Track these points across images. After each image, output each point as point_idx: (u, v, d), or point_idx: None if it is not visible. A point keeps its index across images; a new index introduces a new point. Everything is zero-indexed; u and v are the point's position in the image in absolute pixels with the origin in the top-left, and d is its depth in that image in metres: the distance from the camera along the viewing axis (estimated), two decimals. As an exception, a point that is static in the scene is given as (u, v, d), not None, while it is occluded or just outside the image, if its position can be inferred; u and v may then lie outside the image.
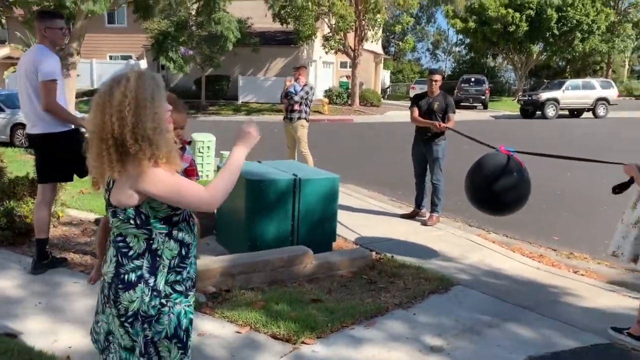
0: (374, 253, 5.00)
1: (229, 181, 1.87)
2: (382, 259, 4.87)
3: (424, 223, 6.27)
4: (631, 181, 3.59)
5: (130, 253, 1.81)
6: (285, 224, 4.59)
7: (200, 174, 7.44)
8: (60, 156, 3.98)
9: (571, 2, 32.44)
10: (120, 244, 1.83)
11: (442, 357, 3.23)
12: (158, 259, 1.83)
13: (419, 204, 6.58)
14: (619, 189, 3.66)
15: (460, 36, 45.24)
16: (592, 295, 4.35)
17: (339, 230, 5.70)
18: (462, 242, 5.71)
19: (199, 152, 7.47)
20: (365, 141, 15.82)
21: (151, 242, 1.82)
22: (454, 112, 6.30)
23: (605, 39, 36.17)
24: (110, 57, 30.30)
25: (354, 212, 6.76)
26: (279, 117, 8.59)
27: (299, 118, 8.02)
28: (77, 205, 6.09)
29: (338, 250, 4.90)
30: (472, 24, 34.95)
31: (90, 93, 27.49)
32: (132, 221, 1.79)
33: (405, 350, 3.29)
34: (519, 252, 5.56)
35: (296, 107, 7.97)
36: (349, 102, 25.92)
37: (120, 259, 1.82)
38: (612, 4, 38.18)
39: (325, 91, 27.47)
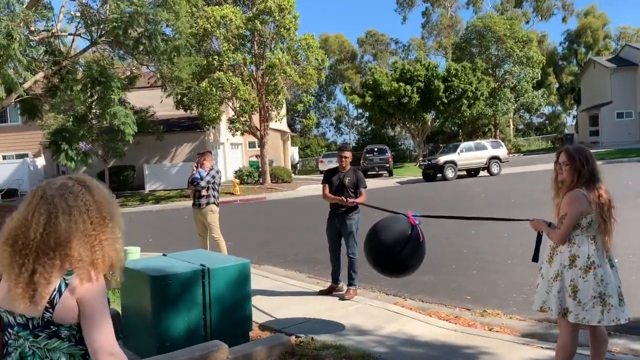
0: (293, 337, 4.84)
1: None
2: (302, 342, 4.72)
3: (342, 298, 6.22)
4: (540, 236, 3.73)
5: None
6: (196, 319, 4.35)
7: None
8: None
9: (455, 72, 35.52)
10: None
11: None
12: None
13: (335, 279, 6.54)
14: (537, 254, 3.74)
15: (360, 110, 47.65)
16: (508, 352, 4.43)
17: (257, 316, 5.50)
18: (380, 313, 5.69)
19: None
20: (280, 219, 15.80)
21: (88, 357, 1.70)
22: (365, 187, 6.46)
23: (489, 103, 39.62)
24: (4, 157, 28.66)
25: (271, 295, 6.58)
26: (189, 203, 8.39)
27: (208, 203, 7.86)
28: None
29: (255, 340, 4.69)
30: (368, 99, 37.03)
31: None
32: (73, 338, 1.68)
33: None
34: (435, 315, 5.62)
35: (203, 192, 7.84)
36: (261, 181, 26.05)
37: None
38: (490, 72, 42.25)
39: (236, 172, 27.50)
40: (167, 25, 9.61)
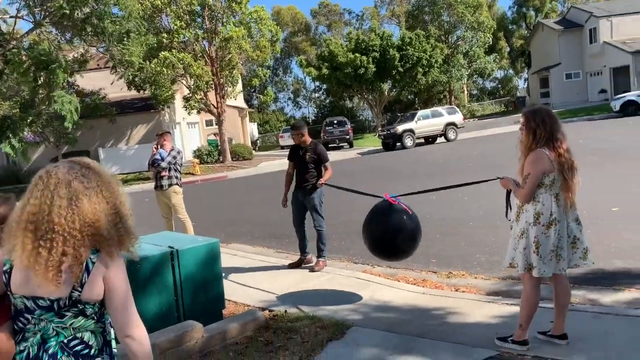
0: (267, 312, 4.89)
1: None
2: (276, 315, 4.77)
3: (312, 269, 6.29)
4: (508, 194, 3.84)
5: (92, 352, 1.75)
6: (168, 301, 4.33)
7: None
8: None
9: (409, 41, 35.68)
10: (78, 347, 1.73)
11: (350, 406, 3.19)
12: (113, 350, 1.83)
13: (302, 251, 6.62)
14: (507, 209, 3.87)
15: (317, 83, 47.43)
16: (475, 310, 4.60)
17: (229, 294, 5.51)
18: (350, 282, 5.79)
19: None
20: (243, 196, 15.71)
21: (105, 334, 1.82)
22: (327, 161, 6.44)
23: (443, 70, 40.10)
24: (-53, 148, 27.30)
25: (242, 272, 6.59)
26: (148, 186, 8.25)
27: (171, 185, 7.74)
28: None
29: (229, 317, 4.71)
30: (325, 71, 36.86)
31: None
32: (95, 316, 1.74)
33: (312, 408, 3.20)
34: (404, 280, 5.76)
35: (164, 173, 7.70)
36: (221, 159, 25.75)
37: None
38: (443, 39, 42.64)
39: (194, 151, 27.07)
40: (116, 4, 9.21)
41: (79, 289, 1.69)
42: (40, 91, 12.24)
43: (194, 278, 4.48)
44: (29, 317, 1.74)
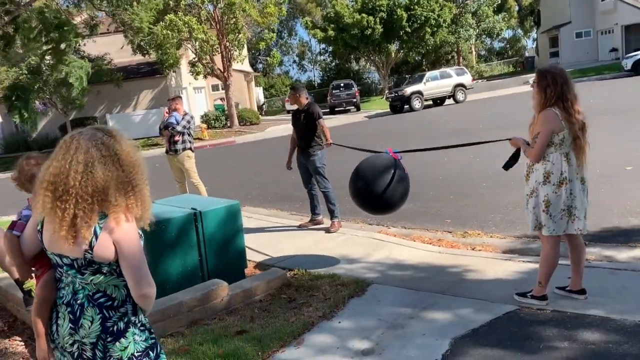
0: (287, 271, 5.00)
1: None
2: (297, 274, 4.88)
3: (328, 231, 6.39)
4: (517, 153, 3.86)
5: (115, 304, 1.87)
6: (192, 261, 4.44)
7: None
8: None
9: (417, 1, 34.97)
10: (102, 299, 1.85)
11: (375, 359, 3.31)
12: None
13: (313, 211, 6.74)
14: (509, 164, 3.88)
15: (323, 45, 46.78)
16: (492, 268, 4.69)
17: (248, 255, 5.63)
18: (366, 242, 5.89)
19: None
20: (253, 161, 15.78)
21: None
22: (320, 117, 6.49)
23: (452, 31, 39.41)
24: (-44, 117, 27.36)
25: (259, 233, 6.70)
26: (158, 151, 8.32)
27: (184, 149, 7.78)
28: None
29: (252, 275, 4.83)
30: (331, 32, 36.31)
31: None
32: (114, 272, 1.84)
33: (339, 360, 3.32)
34: (419, 240, 5.85)
35: (178, 137, 7.73)
36: (228, 124, 25.72)
37: (106, 313, 1.85)
38: (451, -2, 41.78)
39: (202, 116, 27.02)
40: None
41: (90, 251, 1.80)
42: (48, 57, 12.17)
43: (217, 238, 4.58)
44: (61, 270, 1.90)
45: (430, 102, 27.57)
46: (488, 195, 7.43)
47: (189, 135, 7.75)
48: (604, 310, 3.54)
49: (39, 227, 1.90)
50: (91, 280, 1.84)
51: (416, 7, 34.74)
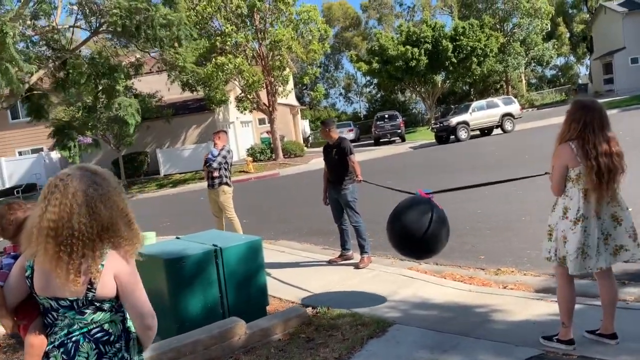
0: (309, 308, 4.93)
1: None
2: (319, 312, 4.81)
3: (357, 266, 6.30)
4: None
5: (112, 339, 1.88)
6: (212, 298, 4.45)
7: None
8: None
9: (462, 31, 34.85)
10: (98, 334, 1.86)
11: (386, 404, 3.18)
12: (130, 334, 1.94)
13: (343, 246, 6.67)
14: None
15: (368, 77, 47.15)
16: (522, 308, 4.47)
17: (274, 290, 5.61)
18: (395, 278, 5.75)
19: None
20: (293, 193, 15.88)
21: (125, 321, 1.93)
22: (351, 153, 6.48)
23: (499, 59, 38.92)
24: (20, 153, 29.07)
25: (287, 268, 6.68)
26: (205, 184, 8.49)
27: (220, 184, 7.91)
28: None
29: (271, 314, 4.79)
30: (375, 65, 36.59)
31: (3, 194, 26.05)
32: (114, 308, 1.87)
33: (348, 405, 3.21)
34: (450, 277, 5.67)
35: (215, 173, 7.88)
36: (273, 157, 26.09)
37: (102, 348, 1.85)
38: (498, 27, 41.37)
39: (248, 150, 27.56)
40: (164, 17, 9.56)
41: (93, 290, 1.81)
42: (101, 97, 12.93)
43: (238, 275, 4.58)
44: (55, 314, 1.89)
45: (478, 132, 27.11)
46: (526, 229, 7.15)
47: (225, 170, 7.87)
48: (636, 358, 3.28)
49: (27, 273, 1.88)
50: (92, 319, 1.86)
51: (462, 37, 34.62)
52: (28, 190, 25.79)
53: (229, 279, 4.52)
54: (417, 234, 4.42)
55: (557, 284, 4.87)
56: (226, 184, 7.90)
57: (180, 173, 25.78)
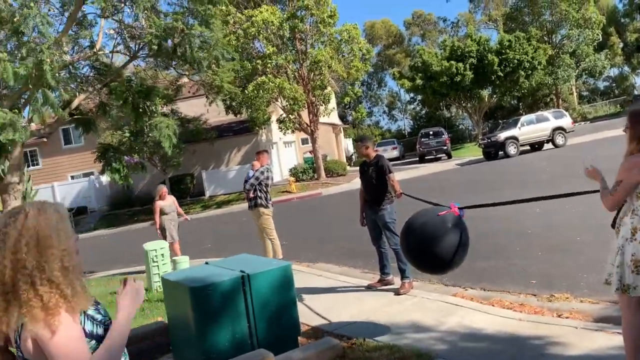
0: (344, 339, 4.62)
1: (115, 351, 1.58)
2: (354, 344, 4.49)
3: (397, 292, 5.94)
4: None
5: None
6: (240, 328, 4.21)
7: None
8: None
9: (508, 44, 34.01)
10: None
11: None
12: None
13: (382, 270, 6.32)
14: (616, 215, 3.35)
15: (411, 94, 46.67)
16: (579, 340, 4.03)
17: (308, 318, 5.35)
18: (438, 306, 5.37)
19: (153, 261, 7.10)
20: (335, 213, 15.60)
21: None
22: (390, 172, 6.16)
23: (548, 72, 37.73)
24: (72, 177, 30.10)
25: (324, 294, 6.39)
26: (246, 206, 8.41)
27: (256, 205, 7.78)
28: None
29: (303, 345, 4.51)
30: (419, 81, 36.14)
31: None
32: None
33: None
34: (498, 304, 5.24)
35: (251, 194, 7.75)
36: (316, 177, 25.95)
37: None
38: (546, 39, 40.22)
39: (290, 169, 27.56)
40: (200, 36, 9.66)
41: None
42: (145, 119, 13.20)
43: (267, 303, 4.33)
44: None
45: (528, 147, 26.16)
46: (582, 251, 6.61)
47: (260, 191, 7.72)
48: None
49: None
50: None
51: (507, 50, 33.77)
52: (79, 213, 26.62)
53: (257, 308, 4.27)
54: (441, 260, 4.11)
55: (620, 313, 4.42)
56: (262, 205, 7.74)
57: (224, 194, 25.99)
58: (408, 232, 4.30)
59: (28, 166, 28.46)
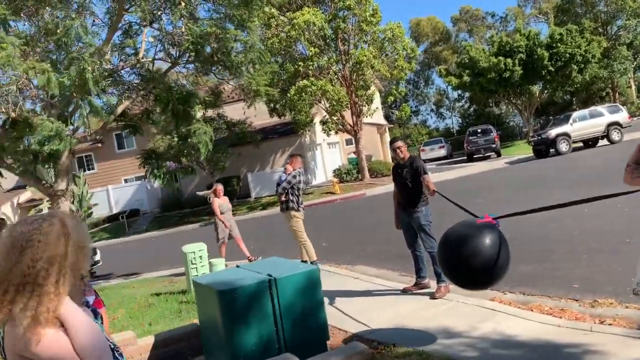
0: (375, 343, 4.56)
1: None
2: (383, 349, 4.42)
3: (432, 296, 5.81)
4: None
5: None
6: (268, 331, 4.22)
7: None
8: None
9: (559, 38, 32.80)
10: None
11: None
12: None
13: (418, 274, 6.19)
14: None
15: (459, 91, 45.78)
16: (623, 350, 3.81)
17: (339, 321, 5.32)
18: (473, 311, 5.21)
19: (192, 263, 7.23)
20: (377, 215, 15.45)
21: None
22: (425, 173, 6.02)
23: (603, 65, 36.15)
24: (125, 181, 31.19)
25: (358, 297, 6.34)
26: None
27: (287, 208, 7.84)
28: None
29: (332, 349, 4.47)
30: (466, 78, 35.37)
31: (109, 219, 28.05)
32: None
33: None
34: (538, 310, 5.03)
35: (282, 197, 7.82)
36: (360, 177, 25.83)
37: None
38: (600, 31, 38.56)
39: (334, 171, 27.55)
40: (236, 40, 9.83)
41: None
42: (185, 124, 13.58)
43: (294, 307, 4.32)
44: None
45: (581, 144, 25.14)
46: (630, 254, 6.23)
47: (292, 195, 7.77)
48: None
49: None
50: None
51: (559, 44, 32.53)
52: (132, 215, 27.54)
53: (284, 311, 4.28)
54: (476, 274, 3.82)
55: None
56: (293, 208, 7.80)
57: (269, 196, 26.27)
58: (444, 248, 4.07)
59: (84, 171, 29.74)
